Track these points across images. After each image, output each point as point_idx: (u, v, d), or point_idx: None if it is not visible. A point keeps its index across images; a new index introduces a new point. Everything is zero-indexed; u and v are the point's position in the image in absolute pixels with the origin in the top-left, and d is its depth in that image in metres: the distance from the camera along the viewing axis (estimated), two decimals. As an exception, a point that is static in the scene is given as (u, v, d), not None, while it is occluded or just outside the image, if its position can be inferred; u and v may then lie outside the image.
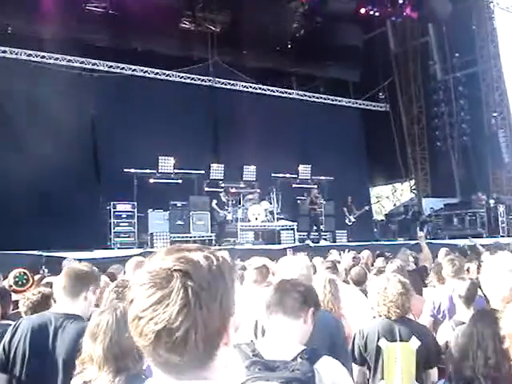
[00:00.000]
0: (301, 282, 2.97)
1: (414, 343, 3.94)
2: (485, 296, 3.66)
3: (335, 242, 17.62)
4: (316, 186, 18.72)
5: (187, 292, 1.21)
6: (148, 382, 1.32)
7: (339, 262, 6.87)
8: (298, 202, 18.76)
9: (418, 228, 18.34)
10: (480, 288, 4.06)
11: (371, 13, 21.43)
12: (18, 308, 4.75)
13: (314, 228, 17.80)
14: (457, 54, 22.93)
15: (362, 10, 21.20)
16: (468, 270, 6.23)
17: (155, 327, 1.20)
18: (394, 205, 28.95)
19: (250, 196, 17.14)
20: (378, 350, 3.96)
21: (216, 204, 16.70)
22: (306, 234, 17.77)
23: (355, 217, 18.97)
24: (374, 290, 4.15)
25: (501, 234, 18.56)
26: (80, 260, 9.35)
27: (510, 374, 1.23)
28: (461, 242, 13.30)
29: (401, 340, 3.96)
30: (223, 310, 1.27)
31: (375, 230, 22.38)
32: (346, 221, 18.99)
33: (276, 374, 2.28)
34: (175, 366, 1.25)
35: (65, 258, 9.81)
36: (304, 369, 2.33)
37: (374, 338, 3.99)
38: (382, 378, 3.96)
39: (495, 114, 21.99)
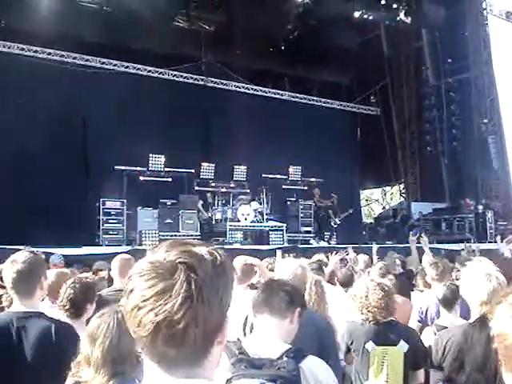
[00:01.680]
0: (288, 282, 2.99)
1: (403, 346, 3.97)
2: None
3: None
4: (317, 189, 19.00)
5: (191, 285, 1.21)
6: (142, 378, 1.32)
7: (326, 265, 6.88)
8: (288, 203, 18.79)
9: (411, 232, 18.44)
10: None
11: (365, 16, 21.46)
12: (1, 303, 4.74)
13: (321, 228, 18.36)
14: (449, 60, 23.04)
15: (356, 14, 21.22)
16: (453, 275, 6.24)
17: (155, 318, 1.20)
18: (384, 208, 29.03)
19: (243, 196, 17.18)
20: (365, 352, 3.99)
21: (202, 205, 16.71)
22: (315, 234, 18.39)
23: (340, 219, 19.03)
24: (356, 298, 4.17)
25: (488, 239, 18.64)
26: (65, 256, 9.34)
27: (497, 372, 1.25)
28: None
29: (389, 344, 3.99)
30: (222, 307, 1.28)
31: (364, 232, 22.45)
32: (332, 223, 19.07)
33: (261, 371, 2.31)
34: (170, 360, 1.25)
35: (52, 253, 9.77)
36: (290, 367, 2.35)
37: (361, 341, 4.01)
38: (367, 379, 3.98)
39: (486, 121, 22.09)
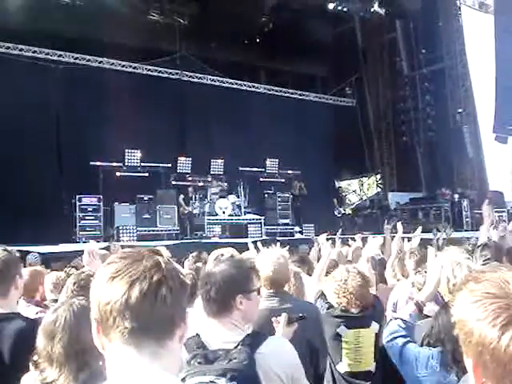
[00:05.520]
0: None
1: (375, 327, 4.01)
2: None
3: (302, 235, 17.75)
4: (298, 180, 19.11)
5: (159, 260, 1.40)
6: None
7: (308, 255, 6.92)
8: (266, 195, 18.83)
9: (385, 221, 18.60)
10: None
11: (339, 8, 21.51)
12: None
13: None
14: (423, 51, 23.20)
15: (331, 6, 21.28)
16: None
17: (130, 279, 1.34)
18: (361, 199, 29.19)
19: (213, 190, 17.11)
20: (337, 336, 4.01)
21: (183, 199, 16.66)
22: (292, 226, 18.31)
23: (345, 208, 19.24)
24: (333, 280, 4.18)
25: (465, 228, 18.86)
26: (42, 254, 9.25)
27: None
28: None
29: (361, 327, 4.01)
30: (185, 297, 1.45)
31: (341, 223, 22.56)
32: (336, 212, 19.21)
33: (213, 366, 2.27)
34: (140, 331, 1.34)
35: (29, 252, 9.68)
36: (241, 357, 2.32)
37: (332, 326, 4.03)
38: (341, 361, 4.01)
39: (460, 110, 22.31)
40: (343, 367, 4.00)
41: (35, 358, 2.44)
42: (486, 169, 22.72)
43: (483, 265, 4.55)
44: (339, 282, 4.07)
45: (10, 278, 3.22)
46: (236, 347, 2.40)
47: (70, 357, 2.39)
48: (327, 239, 6.51)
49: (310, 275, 6.24)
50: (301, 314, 3.08)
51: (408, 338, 3.09)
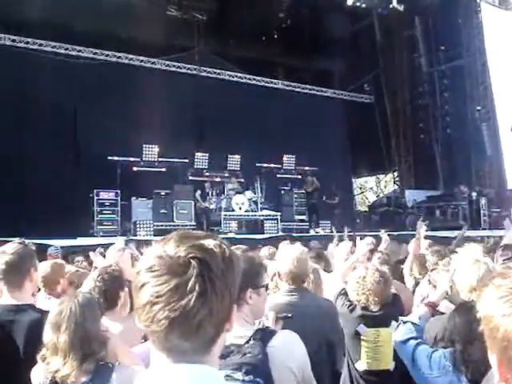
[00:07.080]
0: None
1: (394, 326, 4.00)
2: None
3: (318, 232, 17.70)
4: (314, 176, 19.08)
5: (205, 280, 1.24)
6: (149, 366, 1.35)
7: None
8: (282, 192, 18.80)
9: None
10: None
11: (358, 4, 21.40)
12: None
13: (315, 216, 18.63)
14: (442, 47, 23.04)
15: (349, 2, 21.17)
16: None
17: (170, 314, 1.22)
18: (378, 196, 29.09)
19: (230, 185, 17.13)
20: (357, 335, 4.01)
21: (200, 195, 16.68)
22: (308, 223, 18.36)
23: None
24: (353, 278, 4.18)
25: (482, 226, 18.70)
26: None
27: (484, 355, 1.29)
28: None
29: (380, 326, 4.00)
30: (231, 298, 1.32)
31: (358, 220, 22.51)
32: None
33: (227, 361, 2.27)
34: (183, 352, 1.28)
35: (50, 245, 9.75)
36: (255, 351, 2.34)
37: (352, 324, 4.03)
38: (360, 359, 4.01)
39: (479, 108, 22.11)
40: (362, 365, 4.00)
41: (42, 351, 2.49)
42: (505, 167, 22.52)
43: (503, 264, 4.54)
44: (358, 279, 4.07)
45: (25, 271, 3.26)
46: (247, 342, 2.41)
47: (75, 345, 2.45)
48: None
49: (326, 271, 6.27)
50: (287, 314, 3.10)
51: (419, 340, 3.22)
